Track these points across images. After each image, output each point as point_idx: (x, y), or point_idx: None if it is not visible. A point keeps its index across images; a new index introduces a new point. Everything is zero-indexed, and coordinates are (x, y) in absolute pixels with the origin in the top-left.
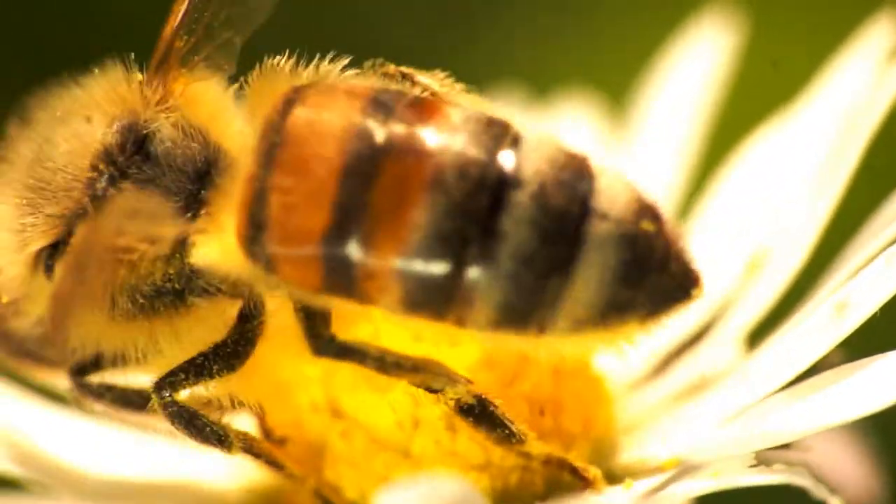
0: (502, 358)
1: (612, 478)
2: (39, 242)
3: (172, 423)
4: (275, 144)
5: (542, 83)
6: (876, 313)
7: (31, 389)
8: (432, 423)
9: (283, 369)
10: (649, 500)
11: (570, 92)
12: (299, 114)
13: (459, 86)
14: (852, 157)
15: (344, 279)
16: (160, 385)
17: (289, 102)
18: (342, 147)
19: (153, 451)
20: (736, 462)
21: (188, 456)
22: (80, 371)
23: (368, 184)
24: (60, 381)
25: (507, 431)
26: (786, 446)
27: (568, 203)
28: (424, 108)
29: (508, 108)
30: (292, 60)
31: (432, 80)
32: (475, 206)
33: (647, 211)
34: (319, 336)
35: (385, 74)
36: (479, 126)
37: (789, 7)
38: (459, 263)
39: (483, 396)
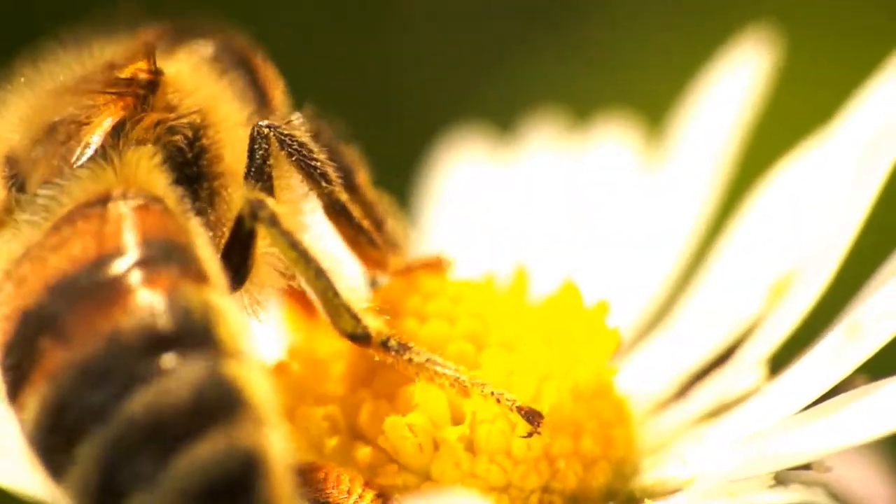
0: (522, 379)
1: (632, 499)
2: None
3: None
4: (29, 252)
5: (579, 108)
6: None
7: None
8: (452, 445)
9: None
10: None
11: (608, 116)
12: (66, 229)
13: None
14: (877, 183)
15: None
16: None
17: (84, 207)
18: (40, 291)
19: None
20: (753, 482)
21: None
22: None
23: (28, 345)
24: None
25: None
26: (806, 467)
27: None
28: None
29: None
30: None
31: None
32: (68, 420)
33: None
34: None
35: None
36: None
37: (826, 31)
38: (49, 468)
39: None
